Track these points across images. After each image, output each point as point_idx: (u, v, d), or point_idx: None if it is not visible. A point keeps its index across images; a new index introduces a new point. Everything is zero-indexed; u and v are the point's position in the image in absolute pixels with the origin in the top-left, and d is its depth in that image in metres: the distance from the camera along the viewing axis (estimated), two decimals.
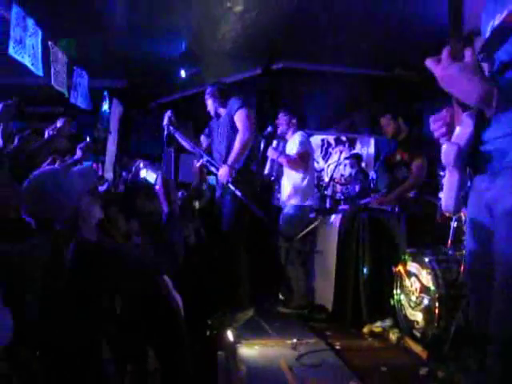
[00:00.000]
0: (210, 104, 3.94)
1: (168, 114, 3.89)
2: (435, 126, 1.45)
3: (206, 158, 3.78)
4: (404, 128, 4.16)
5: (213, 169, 3.80)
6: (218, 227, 3.87)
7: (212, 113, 3.93)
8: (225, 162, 3.70)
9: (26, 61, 3.16)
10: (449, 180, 1.44)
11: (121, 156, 6.08)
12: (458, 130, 1.38)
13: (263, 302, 4.10)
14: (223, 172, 3.61)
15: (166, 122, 3.88)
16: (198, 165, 4.12)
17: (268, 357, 3.14)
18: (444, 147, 1.39)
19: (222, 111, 3.90)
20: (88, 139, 3.36)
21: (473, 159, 1.37)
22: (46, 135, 3.04)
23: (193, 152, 4.00)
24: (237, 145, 3.64)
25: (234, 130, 3.75)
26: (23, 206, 1.73)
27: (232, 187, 3.56)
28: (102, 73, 5.70)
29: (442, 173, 3.50)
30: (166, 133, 3.87)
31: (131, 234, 2.43)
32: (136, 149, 7.01)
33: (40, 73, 3.42)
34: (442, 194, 1.51)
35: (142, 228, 2.53)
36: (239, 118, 3.69)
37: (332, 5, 4.26)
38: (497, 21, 1.30)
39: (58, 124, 2.82)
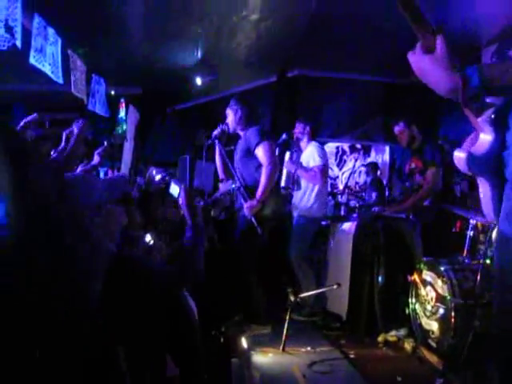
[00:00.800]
0: (230, 117, 3.89)
1: (223, 127, 3.83)
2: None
3: (239, 185, 3.71)
4: (418, 136, 4.14)
5: (241, 199, 3.73)
6: (231, 236, 3.89)
7: (230, 127, 3.90)
8: (252, 194, 3.66)
9: (47, 69, 3.22)
10: (482, 190, 1.42)
11: (136, 162, 6.14)
12: (481, 136, 1.36)
13: (276, 310, 4.09)
14: (251, 206, 3.59)
15: (217, 133, 3.83)
16: (229, 187, 4.11)
17: (282, 364, 3.14)
18: (455, 155, 1.39)
19: (240, 132, 3.90)
20: (105, 144, 3.39)
21: (501, 166, 1.33)
22: (64, 140, 3.06)
23: (230, 172, 3.95)
24: (263, 180, 3.62)
25: (249, 157, 3.76)
26: None
27: (254, 221, 3.54)
28: (119, 80, 5.78)
29: (458, 181, 3.49)
30: (209, 142, 3.85)
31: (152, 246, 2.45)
32: (151, 155, 7.07)
33: (60, 80, 3.49)
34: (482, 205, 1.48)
35: (158, 236, 2.55)
36: (261, 153, 3.68)
37: (347, 12, 4.27)
38: None
39: (75, 129, 2.83)
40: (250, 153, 3.76)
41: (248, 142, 3.78)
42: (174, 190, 2.53)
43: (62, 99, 4.39)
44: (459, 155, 1.37)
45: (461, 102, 1.24)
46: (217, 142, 3.83)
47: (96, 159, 3.38)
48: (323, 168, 4.41)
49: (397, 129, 4.23)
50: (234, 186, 3.82)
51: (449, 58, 1.19)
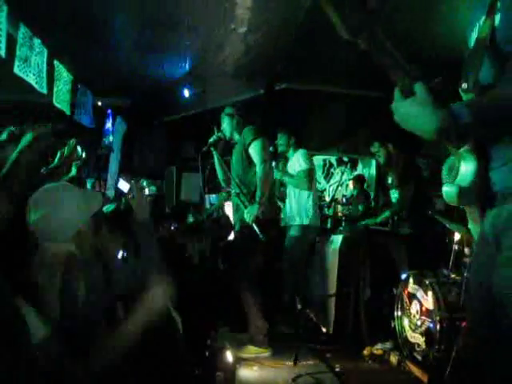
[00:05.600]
0: (226, 124, 3.87)
1: (220, 134, 3.77)
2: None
3: (238, 190, 3.64)
4: (394, 151, 4.21)
5: (240, 204, 3.65)
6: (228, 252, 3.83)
7: (227, 134, 3.87)
8: (251, 198, 3.60)
9: (31, 79, 3.20)
10: (470, 217, 1.41)
11: (123, 174, 6.10)
12: (463, 167, 1.33)
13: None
14: (252, 210, 3.49)
15: (212, 140, 3.77)
16: (227, 191, 4.07)
17: (267, 378, 3.12)
18: (444, 189, 1.35)
19: (236, 137, 3.88)
20: (83, 155, 3.29)
21: (483, 193, 1.32)
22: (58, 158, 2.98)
23: (224, 179, 3.91)
24: (259, 182, 3.56)
25: (244, 159, 3.72)
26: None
27: (256, 228, 3.42)
28: (107, 91, 5.76)
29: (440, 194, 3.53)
30: (205, 149, 3.77)
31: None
32: (138, 167, 7.03)
33: (44, 90, 3.46)
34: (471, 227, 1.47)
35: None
36: (254, 151, 3.63)
37: (333, 27, 4.32)
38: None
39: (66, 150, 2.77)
40: (245, 153, 3.69)
41: (243, 142, 3.73)
42: (123, 185, 2.51)
43: (47, 109, 4.35)
44: (449, 190, 1.34)
45: (451, 142, 1.17)
46: (212, 149, 3.78)
47: (73, 171, 3.29)
48: (309, 172, 4.39)
49: (372, 149, 4.33)
50: (232, 191, 3.78)
51: (431, 96, 1.12)
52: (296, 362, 3.27)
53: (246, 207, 3.55)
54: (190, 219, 4.65)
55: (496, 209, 1.31)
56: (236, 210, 3.80)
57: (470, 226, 1.46)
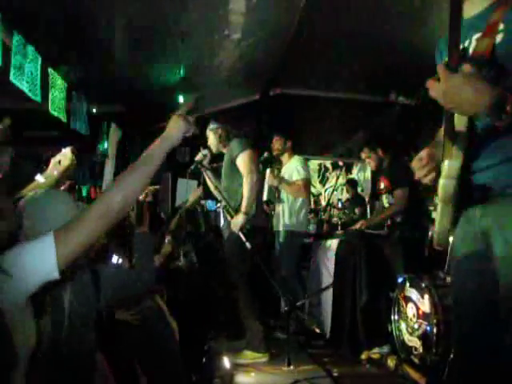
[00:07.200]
0: (211, 140, 3.88)
1: (205, 152, 3.74)
2: (416, 166, 1.43)
3: (224, 203, 3.66)
4: (386, 156, 4.22)
5: (228, 216, 3.67)
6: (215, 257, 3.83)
7: (213, 149, 3.85)
8: (237, 209, 3.61)
9: (24, 87, 3.20)
10: (441, 213, 1.42)
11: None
12: (446, 163, 1.34)
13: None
14: (237, 221, 3.51)
15: (199, 158, 3.74)
16: (217, 208, 4.06)
17: (264, 383, 3.10)
18: (441, 182, 1.35)
19: (224, 150, 3.88)
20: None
21: (465, 190, 1.35)
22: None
23: (214, 193, 3.90)
24: (245, 192, 3.58)
25: (232, 171, 3.73)
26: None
27: (242, 237, 3.45)
28: (101, 98, 5.75)
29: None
30: (193, 167, 3.76)
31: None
32: None
33: (38, 98, 3.45)
34: (434, 228, 1.48)
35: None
36: (242, 162, 3.65)
37: (328, 31, 4.33)
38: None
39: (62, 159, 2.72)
40: (233, 165, 3.71)
41: (231, 154, 3.75)
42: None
43: (41, 117, 4.34)
44: (449, 183, 1.35)
45: (503, 120, 1.15)
46: (200, 166, 3.76)
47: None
48: (307, 181, 4.43)
49: (362, 155, 4.34)
50: (220, 204, 3.79)
51: (478, 75, 1.15)
52: (289, 364, 3.26)
53: (232, 218, 3.58)
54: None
55: (481, 208, 1.33)
56: (225, 218, 3.84)
57: (438, 222, 1.45)
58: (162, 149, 1.48)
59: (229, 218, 3.63)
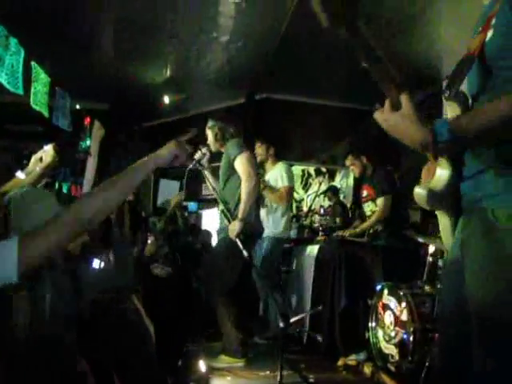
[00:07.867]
0: (210, 136, 3.82)
1: (204, 151, 3.61)
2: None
3: (222, 207, 3.55)
4: (369, 164, 4.25)
5: (225, 221, 3.54)
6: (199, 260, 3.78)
7: (212, 147, 3.73)
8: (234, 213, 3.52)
9: (3, 79, 3.13)
10: (442, 222, 1.44)
11: (100, 179, 6.01)
12: (438, 171, 1.37)
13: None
14: (234, 227, 3.35)
15: (198, 157, 3.66)
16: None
17: None
18: (415, 191, 1.40)
19: (222, 149, 3.81)
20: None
21: (456, 200, 1.36)
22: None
23: (213, 194, 3.76)
24: (243, 196, 3.48)
25: (229, 174, 3.67)
26: None
27: (240, 245, 3.21)
28: (85, 94, 5.69)
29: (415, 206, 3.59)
30: (191, 166, 3.63)
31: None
32: (116, 172, 6.94)
33: (20, 91, 3.38)
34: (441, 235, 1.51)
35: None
36: (240, 167, 3.56)
37: (315, 38, 4.35)
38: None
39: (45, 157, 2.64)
40: (231, 167, 3.64)
41: (228, 156, 3.67)
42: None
43: (23, 111, 4.27)
44: (420, 192, 1.38)
45: (432, 154, 1.29)
46: (198, 165, 3.66)
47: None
48: (290, 189, 4.42)
49: (346, 163, 4.37)
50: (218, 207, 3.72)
51: (416, 113, 1.21)
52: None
53: (229, 223, 3.45)
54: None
55: (463, 219, 1.34)
56: (220, 222, 3.77)
57: (442, 235, 1.48)
58: (146, 166, 1.48)
59: (226, 221, 3.52)
